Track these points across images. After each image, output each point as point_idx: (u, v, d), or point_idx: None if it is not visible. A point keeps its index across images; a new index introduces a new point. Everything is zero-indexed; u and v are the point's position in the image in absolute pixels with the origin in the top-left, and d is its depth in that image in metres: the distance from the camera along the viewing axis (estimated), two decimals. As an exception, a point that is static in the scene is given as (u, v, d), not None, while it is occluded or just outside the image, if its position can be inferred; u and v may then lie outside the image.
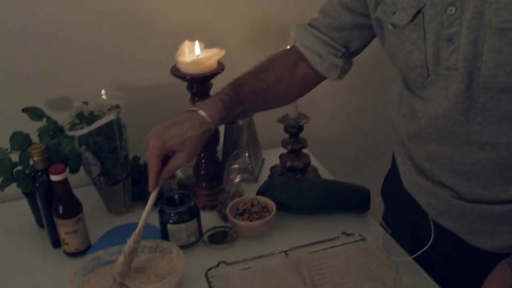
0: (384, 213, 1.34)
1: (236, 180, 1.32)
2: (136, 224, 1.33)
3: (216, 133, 1.35)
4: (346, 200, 1.34)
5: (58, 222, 1.22)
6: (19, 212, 1.40)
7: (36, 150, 1.20)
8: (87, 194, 1.39)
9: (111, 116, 1.25)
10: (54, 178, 1.19)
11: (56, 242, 1.28)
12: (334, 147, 1.81)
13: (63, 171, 1.19)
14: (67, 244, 1.24)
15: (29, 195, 1.31)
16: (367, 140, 1.90)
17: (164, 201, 1.26)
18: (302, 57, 1.21)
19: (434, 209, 1.13)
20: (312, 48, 1.19)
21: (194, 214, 1.25)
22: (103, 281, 1.12)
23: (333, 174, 1.55)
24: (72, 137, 1.28)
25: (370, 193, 1.35)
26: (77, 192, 1.32)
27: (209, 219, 1.36)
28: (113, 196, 1.37)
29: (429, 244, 1.15)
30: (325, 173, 1.56)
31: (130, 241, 1.11)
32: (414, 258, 1.20)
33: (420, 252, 1.16)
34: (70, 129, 1.26)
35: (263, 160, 1.59)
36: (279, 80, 1.20)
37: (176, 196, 1.27)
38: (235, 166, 1.32)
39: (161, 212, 1.25)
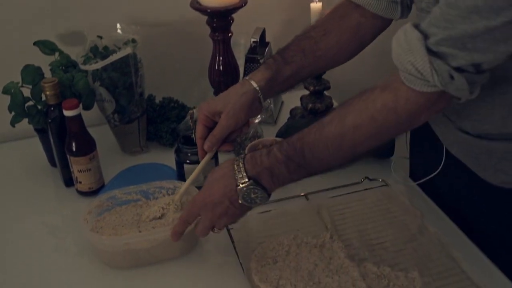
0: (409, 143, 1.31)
1: (256, 121, 1.26)
2: (151, 165, 1.30)
3: (234, 71, 1.29)
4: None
5: (71, 159, 1.18)
6: (30, 151, 1.37)
7: (49, 84, 1.15)
8: (100, 133, 1.34)
9: (127, 50, 1.19)
10: (67, 113, 1.14)
11: (69, 181, 1.24)
12: (358, 90, 1.74)
13: (76, 106, 1.14)
14: (80, 182, 1.21)
15: (41, 132, 1.26)
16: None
17: (181, 141, 1.21)
18: (353, 6, 1.11)
19: (445, 138, 1.10)
20: None
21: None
22: (119, 220, 1.09)
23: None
24: (86, 72, 1.22)
25: (394, 138, 1.30)
26: (90, 131, 1.29)
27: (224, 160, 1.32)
28: (127, 135, 1.32)
29: (439, 168, 1.12)
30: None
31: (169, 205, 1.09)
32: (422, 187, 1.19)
33: (431, 176, 1.14)
34: (84, 63, 1.21)
35: (282, 103, 1.53)
36: (327, 34, 1.10)
37: (193, 136, 1.22)
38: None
39: (177, 151, 1.21)
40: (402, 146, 1.30)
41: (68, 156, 1.18)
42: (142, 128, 1.33)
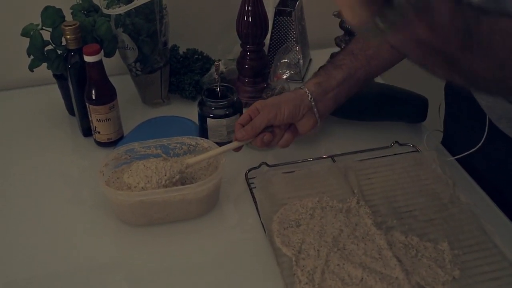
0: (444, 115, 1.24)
1: (284, 77, 1.20)
2: (172, 117, 1.25)
3: (264, 23, 1.22)
4: (401, 107, 1.23)
5: (90, 108, 1.13)
6: (48, 98, 1.32)
7: (69, 27, 1.09)
8: (121, 83, 1.29)
9: (152, -5, 1.13)
10: (88, 59, 1.09)
11: (87, 131, 1.20)
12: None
13: (98, 52, 1.09)
14: (98, 132, 1.16)
15: (60, 78, 1.22)
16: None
17: (205, 93, 1.16)
18: None
19: (493, 112, 1.03)
20: None
21: (237, 109, 1.15)
22: (140, 174, 1.05)
23: (388, 82, 1.43)
24: (109, 17, 1.16)
25: (428, 102, 1.23)
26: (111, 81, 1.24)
27: (250, 117, 1.27)
28: (149, 85, 1.27)
29: (481, 143, 1.06)
30: (379, 80, 1.42)
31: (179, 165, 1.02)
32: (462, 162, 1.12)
33: (472, 150, 1.07)
34: (107, 7, 1.15)
35: (310, 60, 1.47)
36: None
37: (218, 89, 1.17)
38: (285, 60, 1.20)
39: (201, 104, 1.15)
40: (435, 117, 1.23)
41: (87, 105, 1.13)
42: (165, 79, 1.27)
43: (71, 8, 1.19)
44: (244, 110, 1.17)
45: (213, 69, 1.30)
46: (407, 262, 0.93)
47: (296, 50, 1.20)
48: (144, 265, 0.94)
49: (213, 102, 1.13)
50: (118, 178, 1.04)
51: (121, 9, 1.13)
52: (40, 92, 1.38)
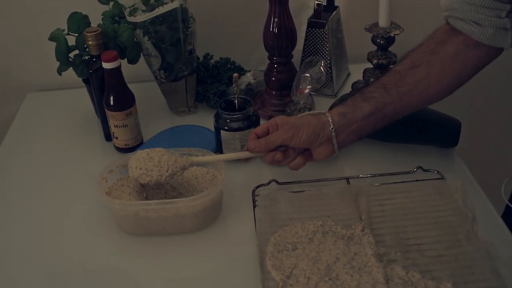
0: None
1: (305, 91, 1.16)
2: (194, 127, 1.25)
3: (290, 35, 1.18)
4: (431, 129, 1.13)
5: (108, 113, 1.15)
6: (79, 101, 1.36)
7: (91, 34, 1.11)
8: (152, 90, 1.31)
9: (175, 4, 1.13)
10: (106, 65, 1.10)
11: (108, 136, 1.22)
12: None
13: (115, 58, 1.10)
14: (116, 138, 1.18)
15: (88, 82, 1.24)
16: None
17: (222, 105, 1.14)
18: (454, 33, 0.96)
19: None
20: (464, 17, 0.93)
21: (252, 122, 1.12)
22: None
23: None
24: (133, 24, 1.17)
25: (461, 126, 1.14)
26: (142, 86, 1.25)
27: (272, 132, 1.23)
28: (174, 93, 1.27)
29: None
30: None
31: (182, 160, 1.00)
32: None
33: None
34: (130, 14, 1.16)
35: (348, 75, 1.40)
36: (415, 67, 0.97)
37: (236, 101, 1.14)
38: (307, 74, 1.16)
39: (217, 116, 1.13)
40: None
41: (105, 110, 1.15)
42: (191, 88, 1.27)
43: (102, 14, 1.22)
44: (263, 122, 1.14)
45: (241, 79, 1.28)
46: (402, 301, 0.86)
47: (321, 65, 1.15)
48: (135, 274, 0.95)
49: (227, 114, 1.11)
50: (122, 185, 1.04)
51: (143, 17, 1.13)
52: (72, 94, 1.41)
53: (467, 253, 0.94)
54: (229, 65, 1.33)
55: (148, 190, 1.03)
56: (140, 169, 0.97)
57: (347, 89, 1.35)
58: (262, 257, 0.95)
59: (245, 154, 1.00)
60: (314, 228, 0.99)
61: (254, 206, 1.04)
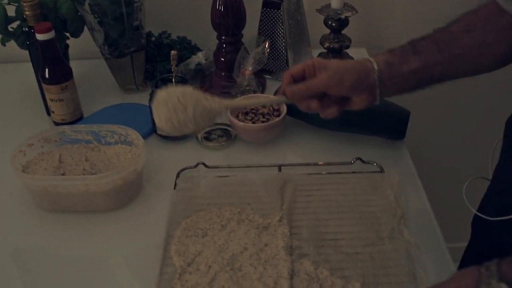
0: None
1: (248, 72, 1.09)
2: (136, 105, 1.21)
3: (237, 14, 1.12)
4: (377, 119, 1.05)
5: (44, 87, 1.12)
6: (29, 74, 1.29)
7: (27, 4, 1.08)
8: (104, 66, 1.27)
9: (116, -24, 1.09)
10: (39, 36, 1.06)
11: (48, 109, 1.18)
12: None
13: (49, 30, 1.06)
14: (53, 112, 1.14)
15: (31, 55, 1.21)
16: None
17: (158, 83, 1.09)
18: (500, 12, 0.87)
19: None
20: None
21: (186, 103, 1.07)
22: (63, 158, 1.02)
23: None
24: (78, -4, 1.14)
25: (409, 117, 1.05)
26: (95, 63, 1.20)
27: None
28: (121, 70, 1.22)
29: None
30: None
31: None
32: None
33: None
34: (70, -15, 1.12)
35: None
36: (470, 31, 0.88)
37: (173, 80, 1.09)
38: (247, 56, 1.09)
39: (152, 95, 1.08)
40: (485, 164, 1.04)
41: (42, 83, 1.12)
42: (138, 65, 1.22)
43: (50, -15, 1.18)
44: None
45: (192, 58, 1.23)
46: (302, 298, 0.80)
47: (265, 46, 1.09)
48: (41, 250, 0.91)
49: (160, 93, 1.06)
50: (42, 160, 1.01)
51: (81, -12, 1.10)
52: (20, 68, 1.35)
53: (385, 252, 0.86)
54: (185, 44, 1.28)
55: (66, 167, 1.00)
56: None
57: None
58: (168, 242, 0.90)
59: (280, 99, 0.91)
60: (230, 215, 0.94)
61: (175, 188, 1.00)
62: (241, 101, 0.97)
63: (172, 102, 0.84)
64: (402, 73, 0.86)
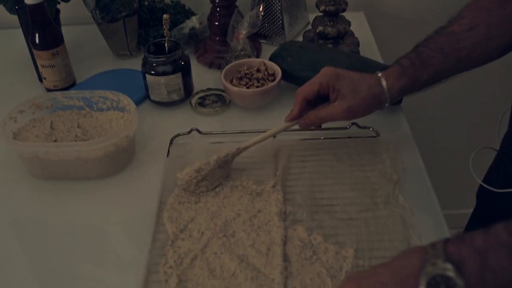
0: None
1: (242, 36, 1.07)
2: (129, 71, 1.19)
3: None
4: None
5: (35, 53, 1.09)
6: (21, 40, 1.28)
7: (15, -33, 1.06)
8: (97, 32, 1.24)
9: None
10: (28, 1, 1.04)
11: (40, 76, 1.16)
12: (394, 20, 1.42)
13: (39, -7, 1.04)
14: (45, 78, 1.12)
15: (25, 20, 1.19)
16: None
17: (151, 48, 1.06)
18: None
19: None
20: None
21: (178, 67, 1.05)
22: (62, 125, 1.00)
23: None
24: (66, -43, 1.11)
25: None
26: (88, 29, 1.18)
27: (211, 79, 1.15)
28: (113, 35, 1.20)
29: None
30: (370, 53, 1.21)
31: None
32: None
33: None
34: None
35: (307, 24, 1.30)
36: (472, 28, 0.87)
37: (166, 44, 1.07)
38: (241, 19, 1.07)
39: (144, 60, 1.06)
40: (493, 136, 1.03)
41: (32, 49, 1.10)
42: (131, 30, 1.19)
43: None
44: (207, 71, 1.06)
45: (186, 22, 1.20)
46: (295, 264, 0.79)
47: (259, 9, 1.06)
48: (36, 218, 0.90)
49: (153, 57, 1.04)
50: (34, 127, 0.99)
51: (70, -50, 1.07)
52: (12, 34, 1.32)
53: (380, 218, 0.85)
54: (179, 8, 1.25)
55: (58, 134, 0.98)
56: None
57: (300, 38, 1.25)
58: (161, 208, 0.89)
59: (291, 125, 0.93)
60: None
61: (168, 156, 0.98)
62: (253, 139, 0.94)
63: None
64: (412, 90, 0.90)
